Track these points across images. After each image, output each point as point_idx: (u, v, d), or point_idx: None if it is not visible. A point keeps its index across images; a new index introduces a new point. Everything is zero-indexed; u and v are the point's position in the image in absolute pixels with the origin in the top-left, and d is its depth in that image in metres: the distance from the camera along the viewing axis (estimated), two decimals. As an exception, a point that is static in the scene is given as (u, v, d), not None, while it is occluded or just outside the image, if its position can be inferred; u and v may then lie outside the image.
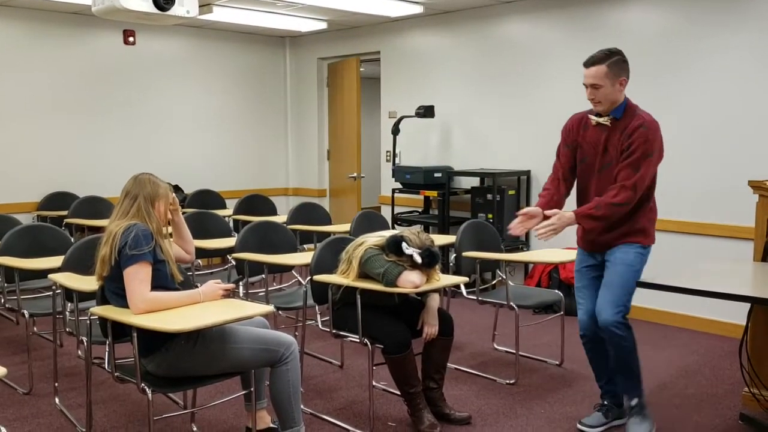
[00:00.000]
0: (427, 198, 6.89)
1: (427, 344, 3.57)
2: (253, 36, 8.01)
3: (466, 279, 3.92)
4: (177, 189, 7.15)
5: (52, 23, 6.60)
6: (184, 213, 3.53)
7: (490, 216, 6.11)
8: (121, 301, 2.86)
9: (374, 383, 3.67)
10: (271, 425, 3.25)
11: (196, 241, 3.48)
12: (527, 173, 6.24)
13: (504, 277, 4.55)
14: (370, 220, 5.27)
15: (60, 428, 3.56)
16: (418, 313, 3.56)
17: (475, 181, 6.49)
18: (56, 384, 3.93)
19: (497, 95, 6.45)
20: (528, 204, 6.15)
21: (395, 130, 7.01)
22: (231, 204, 6.78)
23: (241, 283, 4.34)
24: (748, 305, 3.52)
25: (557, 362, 4.46)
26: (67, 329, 3.65)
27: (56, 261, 3.75)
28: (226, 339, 2.91)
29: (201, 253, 4.43)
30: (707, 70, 5.16)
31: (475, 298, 4.36)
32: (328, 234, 4.51)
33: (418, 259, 3.31)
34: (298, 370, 3.02)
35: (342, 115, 7.94)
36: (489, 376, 4.30)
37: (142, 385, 2.81)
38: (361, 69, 7.71)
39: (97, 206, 6.22)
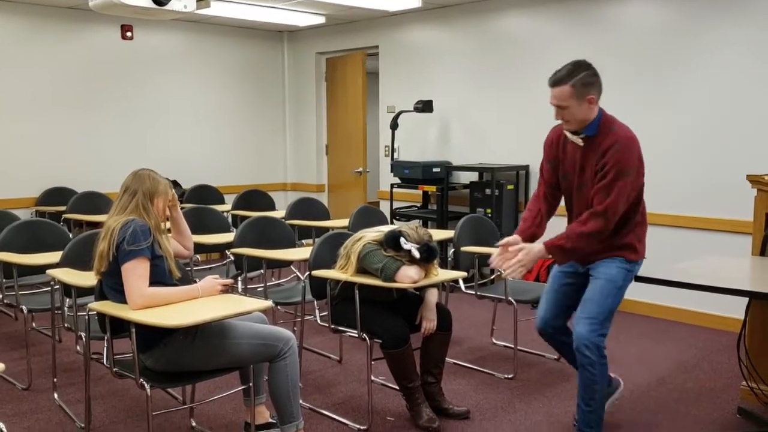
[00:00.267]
0: (425, 193, 6.88)
1: (425, 339, 3.57)
2: (250, 30, 7.98)
3: (464, 274, 3.91)
4: (175, 184, 7.14)
5: (48, 18, 6.58)
6: (182, 208, 3.53)
7: (488, 211, 6.11)
8: (120, 296, 2.86)
9: (373, 378, 3.68)
10: (270, 420, 3.26)
11: (195, 237, 3.48)
12: (526, 168, 6.23)
13: (502, 271, 4.54)
14: (368, 216, 5.26)
15: (59, 423, 3.56)
16: (416, 308, 3.56)
17: (473, 176, 6.48)
18: (55, 379, 3.93)
19: (496, 90, 6.44)
20: (526, 199, 6.16)
21: (394, 125, 6.99)
22: (229, 199, 6.76)
23: (239, 279, 4.34)
24: (746, 299, 3.52)
25: (555, 357, 4.45)
26: (66, 325, 3.65)
27: (55, 256, 3.75)
28: (225, 334, 2.91)
29: (199, 248, 4.42)
30: (706, 65, 5.16)
31: (473, 292, 4.37)
32: (326, 229, 4.51)
33: (417, 254, 3.31)
34: (297, 365, 3.02)
35: (343, 110, 7.91)
36: (487, 370, 4.31)
37: (141, 380, 2.81)
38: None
39: (96, 201, 6.21)
